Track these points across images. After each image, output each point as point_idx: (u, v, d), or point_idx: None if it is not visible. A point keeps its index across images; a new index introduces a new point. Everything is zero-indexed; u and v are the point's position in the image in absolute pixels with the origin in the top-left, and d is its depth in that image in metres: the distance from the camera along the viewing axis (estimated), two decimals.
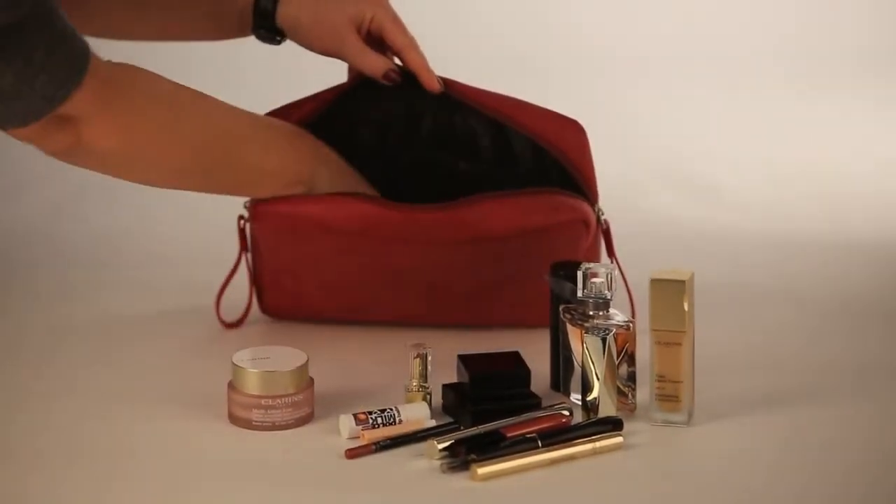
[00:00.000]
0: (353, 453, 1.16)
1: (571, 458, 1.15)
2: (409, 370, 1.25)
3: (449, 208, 1.39)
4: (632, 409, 1.25)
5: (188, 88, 1.34)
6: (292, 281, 1.47)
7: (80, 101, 1.23)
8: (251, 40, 1.47)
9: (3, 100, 1.20)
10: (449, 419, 1.24)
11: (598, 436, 1.17)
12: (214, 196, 1.43)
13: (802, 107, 2.42)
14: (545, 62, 2.51)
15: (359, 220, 1.39)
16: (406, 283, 1.43)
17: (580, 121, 1.43)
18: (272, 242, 1.45)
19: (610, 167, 1.52)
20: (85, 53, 1.23)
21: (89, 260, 1.77)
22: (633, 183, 2.04)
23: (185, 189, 1.41)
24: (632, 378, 1.25)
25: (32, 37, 1.19)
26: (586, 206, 1.41)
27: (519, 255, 1.41)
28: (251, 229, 1.46)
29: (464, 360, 1.26)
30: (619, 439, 1.17)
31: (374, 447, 1.16)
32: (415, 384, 1.24)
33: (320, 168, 1.40)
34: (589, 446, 1.16)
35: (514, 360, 1.27)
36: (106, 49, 1.30)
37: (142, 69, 1.30)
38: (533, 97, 1.47)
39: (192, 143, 1.34)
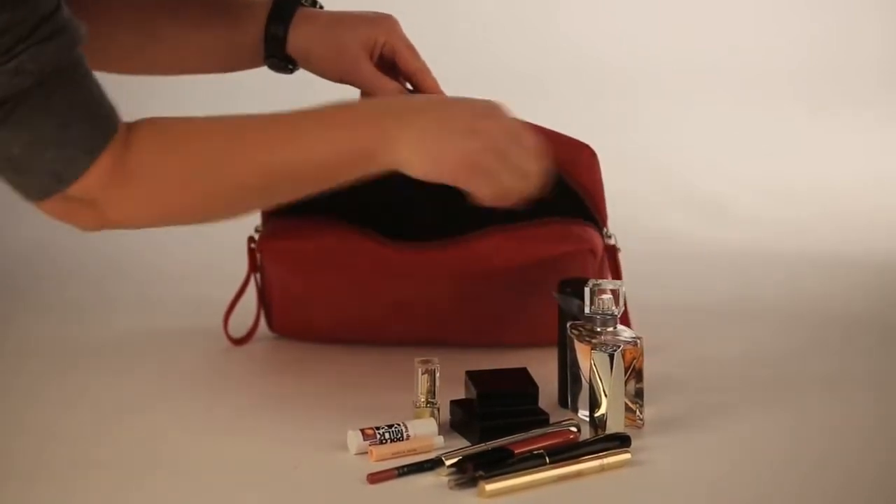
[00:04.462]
0: (375, 478, 1.15)
1: (579, 474, 1.15)
2: (417, 386, 1.25)
3: (455, 246, 1.39)
4: (640, 426, 1.24)
5: (216, 121, 1.24)
6: (301, 309, 1.48)
7: (91, 183, 1.16)
8: (263, 69, 1.47)
9: (15, 170, 1.15)
10: (456, 435, 1.24)
11: (606, 452, 1.16)
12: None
13: (811, 123, 2.42)
14: (552, 79, 2.52)
15: (365, 258, 1.39)
16: (415, 312, 1.44)
17: (588, 137, 1.44)
18: (280, 275, 1.46)
19: (618, 184, 1.52)
20: (105, 127, 1.16)
21: (96, 276, 1.77)
22: (641, 200, 2.04)
23: (247, 213, 1.30)
24: (639, 394, 1.25)
25: (43, 108, 1.13)
26: (593, 234, 1.41)
27: (526, 282, 1.41)
28: (260, 258, 1.47)
29: (472, 376, 1.26)
30: (626, 455, 1.17)
31: (396, 472, 1.16)
32: (423, 400, 1.24)
33: (394, 130, 1.20)
34: (597, 463, 1.16)
35: (522, 376, 1.27)
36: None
37: (165, 120, 1.21)
38: (539, 114, 1.47)
39: (230, 190, 1.23)
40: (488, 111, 1.22)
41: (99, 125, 1.16)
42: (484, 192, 1.20)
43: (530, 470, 1.14)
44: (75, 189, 1.16)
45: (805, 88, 2.53)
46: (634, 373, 1.24)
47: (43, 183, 1.16)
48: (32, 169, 1.15)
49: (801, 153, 2.31)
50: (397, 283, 1.40)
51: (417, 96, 1.31)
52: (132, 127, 1.19)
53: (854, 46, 2.62)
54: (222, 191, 1.22)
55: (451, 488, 1.13)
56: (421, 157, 1.19)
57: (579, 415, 1.27)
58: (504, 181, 1.20)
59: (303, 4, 1.43)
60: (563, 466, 1.15)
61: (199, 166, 1.21)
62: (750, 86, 2.54)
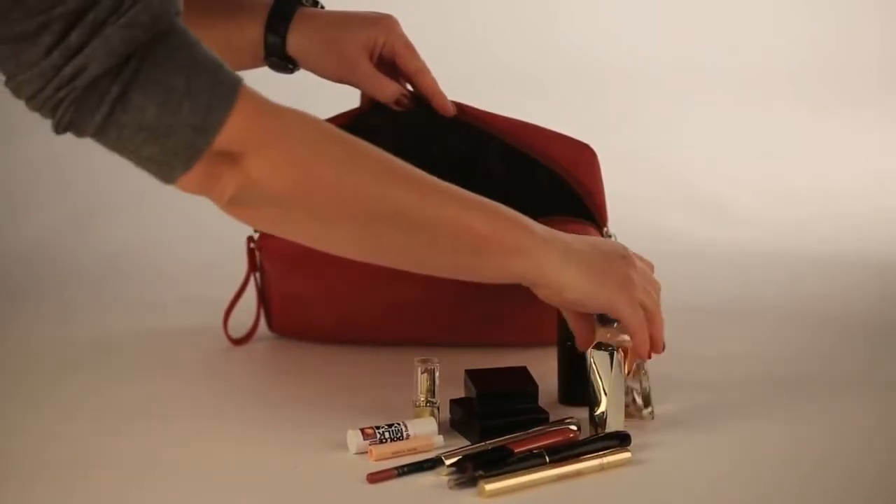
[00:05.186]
0: (375, 478, 1.15)
1: (579, 473, 1.15)
2: (417, 385, 1.24)
3: None
4: (648, 419, 1.25)
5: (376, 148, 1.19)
6: (301, 309, 1.48)
7: (236, 130, 1.11)
8: (264, 68, 1.47)
9: (154, 139, 1.10)
10: (456, 434, 1.24)
11: (606, 452, 1.16)
12: (222, 213, 1.40)
13: (811, 123, 2.42)
14: (552, 79, 2.52)
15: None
16: (416, 313, 1.43)
17: (588, 137, 1.43)
18: (279, 274, 1.46)
19: (618, 184, 1.52)
20: (233, 78, 1.12)
21: (95, 278, 1.77)
22: (641, 200, 2.04)
23: (378, 255, 1.23)
24: (642, 393, 1.25)
25: (168, 62, 1.09)
26: (594, 233, 1.41)
27: (525, 289, 1.40)
28: (260, 258, 1.47)
29: (471, 375, 1.26)
30: (626, 455, 1.17)
31: (396, 472, 1.16)
32: (422, 399, 1.24)
33: (539, 241, 1.21)
34: (597, 462, 1.16)
35: (522, 375, 1.27)
36: None
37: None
38: (539, 114, 1.47)
39: (380, 183, 1.17)
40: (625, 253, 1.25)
41: (226, 74, 1.12)
42: (634, 312, 1.22)
43: (530, 469, 1.14)
44: (221, 140, 1.11)
45: (805, 88, 2.53)
46: (638, 370, 1.25)
47: (187, 142, 1.10)
48: (173, 129, 1.10)
49: (801, 153, 2.31)
50: (398, 284, 1.39)
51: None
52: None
53: (854, 46, 2.63)
54: (366, 193, 1.17)
55: (450, 488, 1.13)
56: (581, 278, 1.21)
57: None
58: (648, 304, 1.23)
59: (303, 4, 1.43)
60: (563, 466, 1.14)
61: (348, 157, 1.17)
62: (750, 86, 2.54)
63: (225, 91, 1.11)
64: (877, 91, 2.54)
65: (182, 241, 1.88)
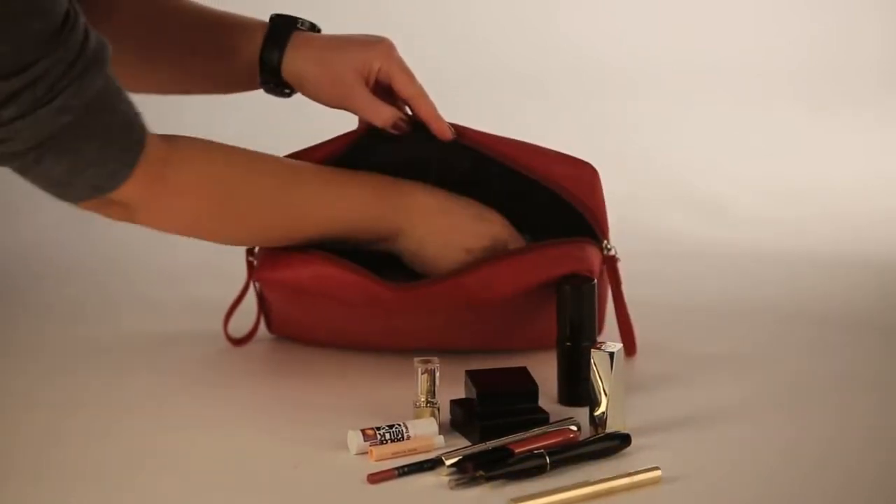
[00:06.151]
0: (375, 478, 1.15)
1: (610, 492, 1.13)
2: (417, 386, 1.25)
3: (450, 279, 1.37)
4: None
5: (244, 154, 1.34)
6: (299, 326, 1.48)
7: (128, 192, 1.26)
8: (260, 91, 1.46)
9: (56, 185, 1.25)
10: (456, 434, 1.24)
11: (636, 471, 1.14)
12: None
13: (811, 123, 2.42)
14: (552, 79, 2.51)
15: (358, 294, 1.36)
16: (413, 335, 1.42)
17: (588, 137, 1.43)
18: (277, 301, 1.46)
19: (618, 185, 1.52)
20: (137, 145, 1.25)
21: (95, 278, 1.77)
22: (641, 200, 2.04)
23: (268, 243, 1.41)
24: None
25: (85, 132, 1.21)
26: (591, 252, 1.39)
27: (524, 303, 1.39)
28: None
29: (472, 375, 1.26)
30: (657, 473, 1.14)
31: (396, 472, 1.16)
32: (423, 400, 1.25)
33: (404, 222, 1.38)
34: (627, 480, 1.13)
35: (522, 375, 1.27)
36: None
37: (196, 142, 1.31)
38: (539, 114, 1.47)
39: (251, 221, 1.35)
40: (482, 229, 1.39)
41: (134, 138, 1.25)
42: None
43: (560, 489, 1.11)
44: (115, 196, 1.26)
45: (805, 88, 2.53)
46: None
47: (83, 194, 1.25)
48: (73, 184, 1.24)
49: (801, 153, 2.31)
50: (396, 316, 1.38)
51: (433, 196, 1.40)
52: (171, 141, 1.28)
53: (854, 46, 2.62)
54: (238, 230, 1.35)
55: (451, 488, 1.13)
56: (420, 257, 1.39)
57: None
58: None
59: (298, 28, 1.41)
60: (592, 485, 1.12)
61: (225, 205, 1.32)
62: (750, 86, 2.54)
63: (129, 159, 1.24)
64: (877, 91, 2.53)
65: (182, 241, 1.88)
